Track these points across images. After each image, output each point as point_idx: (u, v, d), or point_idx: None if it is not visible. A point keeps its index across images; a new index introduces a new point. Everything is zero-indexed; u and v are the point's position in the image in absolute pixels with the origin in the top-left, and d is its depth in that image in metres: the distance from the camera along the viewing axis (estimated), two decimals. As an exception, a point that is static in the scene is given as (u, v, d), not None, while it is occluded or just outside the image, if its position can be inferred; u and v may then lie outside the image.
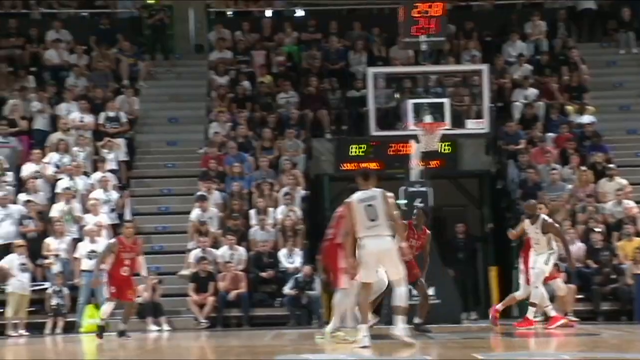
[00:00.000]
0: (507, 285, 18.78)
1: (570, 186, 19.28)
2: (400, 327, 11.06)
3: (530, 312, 14.46)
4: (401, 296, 11.06)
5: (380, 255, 10.93)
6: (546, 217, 14.43)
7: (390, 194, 11.15)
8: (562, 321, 14.54)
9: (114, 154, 19.87)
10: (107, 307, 14.67)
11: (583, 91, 21.99)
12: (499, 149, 20.72)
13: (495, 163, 21.01)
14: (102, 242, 17.64)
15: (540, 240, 14.17)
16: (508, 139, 20.65)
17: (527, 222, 14.30)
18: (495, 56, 22.43)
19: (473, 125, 17.46)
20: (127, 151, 20.38)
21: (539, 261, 14.16)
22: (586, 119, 21.18)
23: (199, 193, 19.05)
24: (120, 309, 14.93)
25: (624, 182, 19.15)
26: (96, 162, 19.50)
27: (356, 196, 11.05)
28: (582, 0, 24.08)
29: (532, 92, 21.74)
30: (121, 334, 14.52)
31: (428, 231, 13.92)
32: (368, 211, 10.87)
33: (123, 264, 14.56)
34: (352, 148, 20.87)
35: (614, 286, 17.57)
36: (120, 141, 20.23)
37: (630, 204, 18.59)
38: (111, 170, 19.44)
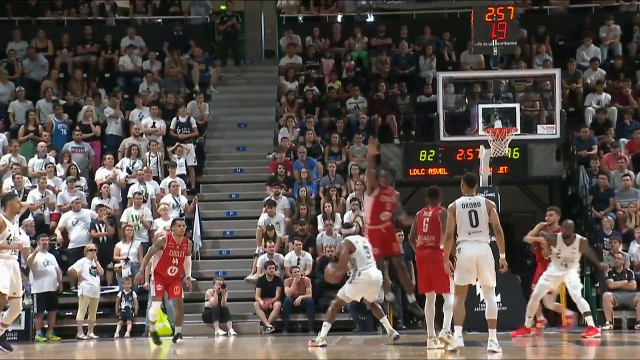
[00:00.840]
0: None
1: (642, 193, 18.88)
2: (491, 339, 11.00)
3: (590, 320, 14.41)
4: (493, 308, 11.12)
5: (477, 260, 11.03)
6: (583, 237, 14.70)
7: (492, 203, 11.35)
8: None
9: (184, 159, 20.06)
10: (153, 309, 14.45)
11: (658, 96, 21.53)
12: (570, 154, 20.37)
13: (566, 169, 20.66)
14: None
15: (575, 258, 14.39)
16: (580, 144, 20.29)
17: (560, 239, 14.23)
18: (569, 60, 22.06)
19: (544, 131, 17.18)
20: (196, 156, 20.55)
21: (576, 277, 14.41)
22: (661, 124, 20.71)
23: (266, 198, 19.12)
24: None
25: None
26: (166, 167, 19.70)
27: (460, 201, 11.22)
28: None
29: (605, 97, 21.33)
30: (175, 337, 14.36)
31: (396, 192, 13.75)
32: (471, 217, 11.00)
33: (170, 263, 14.16)
34: (420, 153, 20.72)
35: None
36: (190, 146, 20.43)
37: None
38: (180, 175, 19.63)
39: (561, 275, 14.38)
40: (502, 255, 11.22)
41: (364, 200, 13.38)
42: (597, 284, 17.68)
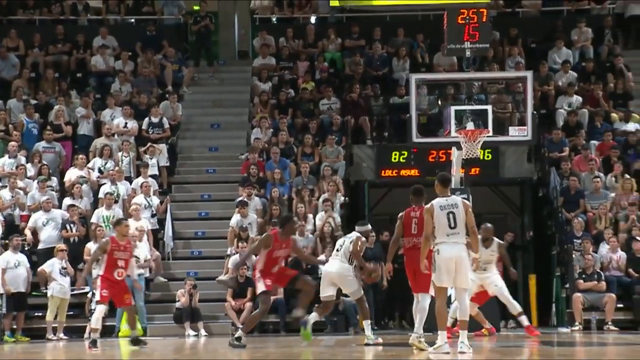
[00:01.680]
0: (546, 293, 18.57)
1: (612, 194, 18.99)
2: (461, 341, 11.02)
3: (525, 320, 14.69)
4: (465, 309, 11.15)
5: (457, 262, 11.01)
6: (500, 241, 14.96)
7: (469, 204, 11.33)
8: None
9: (156, 160, 19.98)
10: (97, 314, 13.53)
11: (628, 99, 21.71)
12: (541, 156, 20.47)
13: (537, 170, 20.76)
14: (143, 247, 17.77)
15: (493, 260, 14.59)
16: (551, 146, 20.40)
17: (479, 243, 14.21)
18: (540, 63, 22.17)
19: (515, 133, 17.24)
20: (168, 157, 20.47)
21: (499, 279, 14.57)
22: (631, 126, 20.88)
23: (239, 199, 19.08)
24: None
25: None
26: (138, 168, 19.60)
27: (437, 202, 11.16)
28: (630, 6, 23.72)
29: (576, 99, 21.46)
30: (135, 342, 13.79)
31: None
32: (449, 218, 10.99)
33: (117, 266, 13.38)
34: (393, 154, 20.76)
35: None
36: (162, 147, 20.34)
37: (674, 212, 18.25)
38: (152, 176, 19.54)
39: (483, 278, 14.43)
40: (476, 256, 11.24)
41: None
42: (567, 285, 17.78)
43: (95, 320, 13.51)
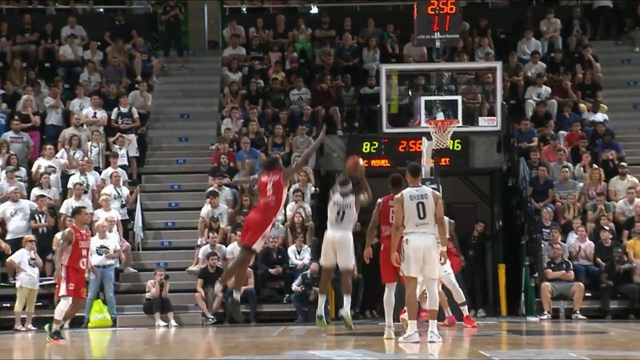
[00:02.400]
0: (516, 283, 18.70)
1: (581, 184, 19.15)
2: (436, 330, 11.06)
3: (466, 310, 14.63)
4: (435, 299, 11.16)
5: (424, 252, 11.06)
6: (451, 220, 14.59)
7: (439, 194, 11.34)
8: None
9: (125, 150, 19.88)
10: (63, 306, 13.03)
11: (596, 89, 21.84)
12: (510, 146, 20.59)
13: (506, 160, 20.88)
14: (113, 237, 17.69)
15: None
16: (520, 136, 20.52)
17: None
18: (510, 54, 22.28)
19: (485, 123, 17.38)
20: (138, 147, 20.38)
21: (448, 266, 14.04)
22: (599, 117, 21.04)
23: (209, 189, 19.04)
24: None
25: (635, 180, 19.01)
26: (108, 158, 19.49)
27: (407, 192, 11.18)
28: (598, -2, 23.95)
29: (545, 89, 21.59)
30: (57, 334, 13.05)
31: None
32: (418, 208, 11.03)
33: (82, 255, 13.07)
34: (363, 145, 20.79)
35: (622, 284, 17.39)
36: (132, 137, 20.24)
37: (641, 202, 18.43)
38: (122, 166, 19.44)
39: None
40: (443, 248, 11.26)
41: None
42: (536, 275, 17.91)
43: (60, 313, 13.07)
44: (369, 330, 14.10)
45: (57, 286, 13.48)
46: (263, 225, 12.35)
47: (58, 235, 17.44)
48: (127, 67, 22.42)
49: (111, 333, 15.78)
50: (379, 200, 12.23)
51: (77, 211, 13.70)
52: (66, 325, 13.90)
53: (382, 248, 12.11)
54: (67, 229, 13.52)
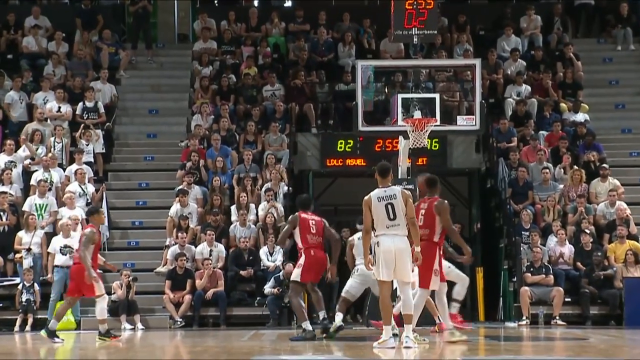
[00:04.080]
0: (494, 287, 18.76)
1: (561, 186, 19.26)
2: (411, 335, 11.10)
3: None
4: (409, 303, 11.16)
5: (395, 254, 11.02)
6: None
7: (409, 193, 11.28)
8: None
9: (91, 146, 19.76)
10: (104, 304, 13.48)
11: (578, 88, 21.97)
12: (489, 146, 20.66)
13: (485, 161, 20.96)
14: (77, 236, 17.52)
15: None
16: (499, 136, 20.60)
17: None
18: (489, 51, 22.37)
19: (463, 122, 17.39)
20: (104, 143, 20.27)
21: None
22: (580, 117, 21.16)
23: (178, 187, 18.98)
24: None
25: (617, 182, 19.13)
26: (72, 154, 19.37)
27: (375, 194, 11.16)
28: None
29: (525, 88, 21.70)
30: (108, 334, 13.54)
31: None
32: (387, 210, 10.98)
33: (97, 256, 13.64)
34: (338, 143, 20.81)
35: (603, 290, 17.50)
36: (98, 132, 20.13)
37: (622, 205, 18.56)
38: (87, 163, 19.32)
39: None
40: (417, 249, 11.24)
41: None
42: (515, 279, 17.99)
43: (102, 312, 13.50)
44: (342, 335, 14.09)
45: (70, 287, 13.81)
46: None
47: (21, 234, 17.33)
48: (94, 60, 22.29)
49: (75, 336, 15.67)
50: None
51: (95, 211, 13.97)
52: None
53: None
54: (89, 229, 13.58)
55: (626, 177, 19.97)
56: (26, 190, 18.75)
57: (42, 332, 13.61)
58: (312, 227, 13.14)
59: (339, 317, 13.49)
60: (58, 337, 13.56)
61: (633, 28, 23.67)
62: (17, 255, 17.48)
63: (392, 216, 11.05)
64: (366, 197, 11.25)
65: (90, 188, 18.80)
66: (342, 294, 13.70)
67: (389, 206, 11.05)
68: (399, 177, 16.93)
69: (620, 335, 14.96)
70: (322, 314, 13.43)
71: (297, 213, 13.39)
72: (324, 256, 13.32)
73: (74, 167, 18.98)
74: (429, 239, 11.78)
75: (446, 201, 12.12)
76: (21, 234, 17.60)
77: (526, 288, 17.32)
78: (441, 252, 12.05)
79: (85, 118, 20.40)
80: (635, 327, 16.14)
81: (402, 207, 11.07)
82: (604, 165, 19.52)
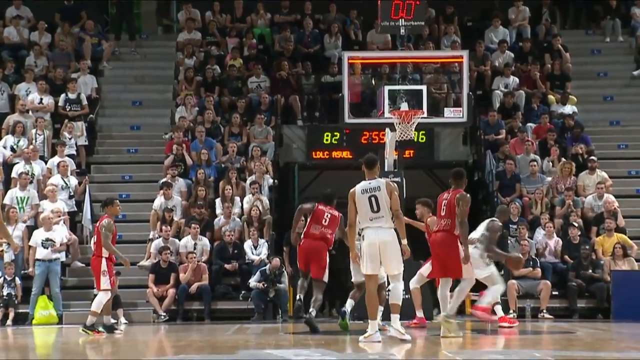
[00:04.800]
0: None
1: (549, 179, 19.30)
2: (396, 325, 11.11)
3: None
4: (398, 294, 11.16)
5: (380, 247, 10.99)
6: None
7: (394, 186, 11.26)
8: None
9: (73, 138, 19.69)
10: (103, 299, 13.58)
11: (566, 80, 22.01)
12: (477, 138, 20.69)
13: (472, 153, 20.99)
14: (59, 230, 17.51)
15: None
16: (487, 128, 20.62)
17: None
18: (477, 42, 22.39)
19: (451, 114, 17.40)
20: (87, 135, 20.20)
21: None
22: (568, 109, 21.21)
23: (162, 180, 18.94)
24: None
25: (605, 175, 19.19)
26: (54, 146, 19.30)
27: (360, 186, 11.17)
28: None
29: (513, 80, 21.72)
30: (92, 327, 13.68)
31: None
32: (371, 202, 10.97)
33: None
34: (324, 135, 20.80)
35: (587, 276, 17.55)
36: (80, 124, 20.05)
37: (610, 198, 18.62)
38: (70, 155, 19.25)
39: None
40: (404, 242, 11.24)
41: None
42: (502, 272, 18.00)
43: (99, 306, 13.59)
44: (327, 329, 14.10)
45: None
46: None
47: None
48: (76, 51, 22.20)
49: (57, 330, 15.63)
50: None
51: (110, 202, 14.00)
52: (112, 320, 14.28)
53: (429, 242, 12.42)
54: (106, 220, 13.70)
55: (614, 169, 20.03)
56: (7, 183, 18.67)
57: (81, 330, 13.70)
58: (325, 219, 13.31)
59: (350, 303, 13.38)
60: (99, 330, 13.65)
61: (622, 19, 23.72)
62: (-2, 249, 17.42)
63: (375, 208, 11.03)
64: (351, 190, 11.25)
65: (73, 181, 18.74)
66: (352, 280, 13.61)
67: (373, 198, 11.04)
68: (386, 169, 16.94)
69: (608, 328, 15.03)
70: (311, 311, 13.42)
71: (316, 203, 13.54)
72: (314, 246, 13.31)
73: (56, 159, 18.91)
74: (450, 229, 11.89)
75: (468, 195, 12.16)
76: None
77: (513, 281, 17.35)
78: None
79: (67, 110, 20.33)
80: (623, 320, 16.20)
81: (387, 199, 11.05)
82: (592, 157, 19.56)
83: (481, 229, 13.89)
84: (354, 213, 11.15)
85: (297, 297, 13.55)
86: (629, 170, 20.33)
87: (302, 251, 13.49)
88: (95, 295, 16.88)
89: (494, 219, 14.11)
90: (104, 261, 13.56)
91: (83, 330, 13.51)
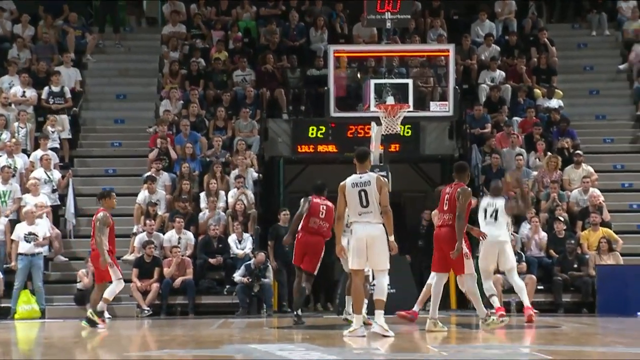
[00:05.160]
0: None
1: (535, 173, 19.32)
2: (380, 322, 11.11)
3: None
4: (382, 289, 11.12)
5: (368, 242, 10.96)
6: None
7: (385, 181, 11.24)
8: None
9: (57, 132, 19.61)
10: (116, 288, 13.92)
11: (552, 74, 22.05)
12: (463, 132, 20.70)
13: (458, 147, 21.00)
14: (42, 224, 17.44)
15: None
16: (473, 122, 20.64)
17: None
18: (463, 36, 22.39)
19: (437, 108, 17.38)
20: (70, 128, 20.12)
21: None
22: (554, 103, 21.24)
23: (147, 174, 18.88)
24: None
25: (591, 169, 19.24)
26: (37, 139, 19.22)
27: (350, 179, 11.16)
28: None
29: (499, 74, 21.73)
30: (102, 314, 14.10)
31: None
32: (361, 196, 10.93)
33: (114, 238, 13.91)
34: (310, 129, 20.78)
35: (576, 277, 17.59)
36: (64, 118, 19.97)
37: (596, 192, 18.66)
38: (53, 149, 19.18)
39: None
40: (391, 237, 11.22)
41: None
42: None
43: (113, 293, 13.92)
44: (312, 324, 14.11)
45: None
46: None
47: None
48: (60, 43, 22.11)
49: (39, 325, 15.58)
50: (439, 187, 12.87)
51: (107, 195, 14.08)
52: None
53: (433, 236, 12.41)
54: (101, 214, 13.74)
55: (600, 163, 20.09)
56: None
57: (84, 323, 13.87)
58: (322, 212, 13.50)
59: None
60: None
61: (608, 13, 23.78)
62: (-20, 244, 17.35)
63: (364, 203, 11.01)
64: (342, 183, 11.25)
65: (56, 174, 18.67)
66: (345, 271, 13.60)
67: (362, 193, 11.02)
68: (372, 163, 16.92)
69: (593, 323, 15.08)
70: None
71: (309, 197, 13.62)
72: (311, 241, 13.48)
73: (39, 153, 18.83)
74: (453, 224, 11.92)
75: (469, 189, 12.16)
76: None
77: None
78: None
79: (51, 103, 20.24)
80: (608, 314, 16.26)
81: (376, 194, 11.03)
82: (578, 151, 19.60)
83: (503, 220, 13.62)
84: (344, 206, 11.16)
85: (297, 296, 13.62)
86: (615, 165, 20.39)
87: (300, 245, 13.61)
88: (80, 290, 17.03)
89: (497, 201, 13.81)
90: (107, 254, 13.71)
91: (90, 314, 13.73)
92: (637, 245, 18.43)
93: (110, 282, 13.86)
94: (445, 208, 12.05)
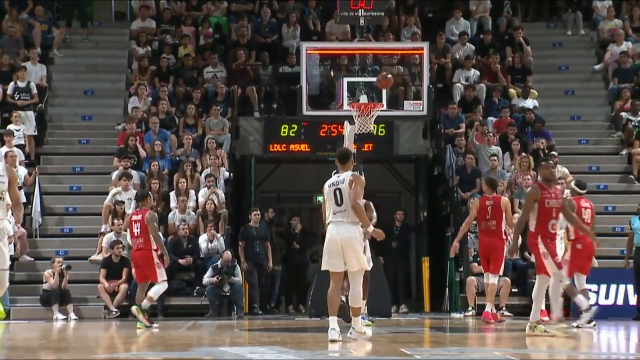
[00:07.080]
0: (440, 277, 18.92)
1: (509, 173, 19.44)
2: (357, 327, 11.14)
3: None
4: (357, 296, 11.03)
5: (342, 244, 10.89)
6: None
7: (357, 177, 11.05)
8: None
9: (22, 128, 19.52)
10: (162, 288, 14.59)
11: (527, 74, 22.19)
12: (437, 132, 20.80)
13: (432, 147, 21.10)
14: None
15: None
16: (447, 122, 20.74)
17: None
18: (437, 34, 22.49)
19: (410, 107, 17.43)
20: (36, 125, 20.03)
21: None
22: (529, 103, 21.37)
23: (116, 172, 18.84)
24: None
25: (566, 170, 19.36)
26: (2, 136, 19.12)
27: (330, 180, 11.13)
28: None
29: (474, 73, 21.85)
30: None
31: None
32: (335, 195, 10.89)
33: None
34: (282, 128, 20.80)
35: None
36: (30, 114, 19.88)
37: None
38: (18, 145, 19.08)
39: None
40: (370, 228, 11.07)
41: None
42: (461, 269, 18.16)
43: (157, 293, 14.56)
44: (283, 326, 14.15)
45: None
46: None
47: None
48: (25, 37, 22.00)
49: (4, 326, 15.52)
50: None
51: (146, 195, 14.94)
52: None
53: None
54: (150, 212, 14.46)
55: (575, 164, 20.23)
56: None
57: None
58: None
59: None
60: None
61: (583, 13, 23.95)
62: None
63: (339, 202, 10.91)
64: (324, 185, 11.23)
65: (22, 171, 18.59)
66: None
67: (337, 192, 10.93)
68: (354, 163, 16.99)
69: (567, 326, 15.16)
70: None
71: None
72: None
73: (4, 149, 18.73)
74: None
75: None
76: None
77: (472, 278, 17.49)
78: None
79: (16, 99, 20.14)
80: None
81: (349, 191, 10.96)
82: (553, 152, 19.73)
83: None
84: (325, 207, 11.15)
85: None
86: (590, 166, 20.56)
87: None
88: (45, 291, 16.95)
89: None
90: (154, 254, 14.30)
91: (136, 308, 14.22)
92: (612, 247, 18.57)
93: (153, 282, 14.38)
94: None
